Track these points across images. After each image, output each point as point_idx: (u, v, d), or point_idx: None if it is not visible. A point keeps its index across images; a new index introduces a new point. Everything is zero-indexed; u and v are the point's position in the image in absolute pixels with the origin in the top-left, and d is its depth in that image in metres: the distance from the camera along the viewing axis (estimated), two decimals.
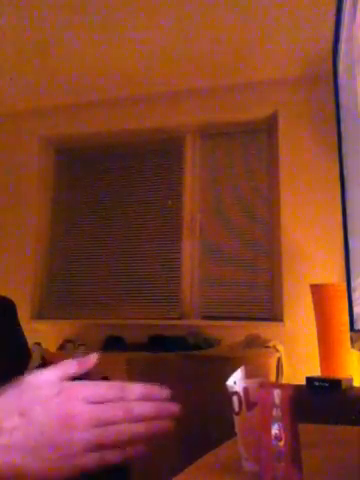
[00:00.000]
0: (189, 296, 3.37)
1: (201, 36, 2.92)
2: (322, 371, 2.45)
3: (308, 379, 2.24)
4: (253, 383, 0.69)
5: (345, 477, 0.71)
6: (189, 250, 3.42)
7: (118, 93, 3.59)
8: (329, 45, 1.71)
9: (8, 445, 0.51)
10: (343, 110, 1.35)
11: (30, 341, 1.99)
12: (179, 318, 3.33)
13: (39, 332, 3.20)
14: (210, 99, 3.47)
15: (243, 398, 0.69)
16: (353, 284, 1.19)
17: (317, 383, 2.24)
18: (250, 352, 2.61)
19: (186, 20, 2.78)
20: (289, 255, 3.10)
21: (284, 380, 2.61)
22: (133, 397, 0.58)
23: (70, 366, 0.60)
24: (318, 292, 2.50)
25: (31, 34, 2.92)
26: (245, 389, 0.69)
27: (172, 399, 0.61)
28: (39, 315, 3.62)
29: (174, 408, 0.63)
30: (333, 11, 1.36)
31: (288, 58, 3.13)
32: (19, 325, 2.04)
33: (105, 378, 1.85)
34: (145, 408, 0.58)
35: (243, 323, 3.14)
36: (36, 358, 1.63)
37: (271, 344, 2.66)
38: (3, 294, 2.11)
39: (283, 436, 0.64)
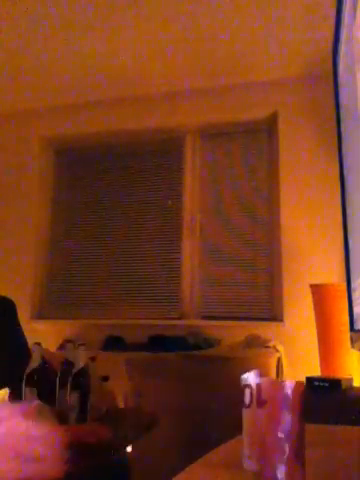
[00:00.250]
0: (189, 296, 3.37)
1: (201, 36, 2.92)
2: (322, 371, 2.45)
3: (308, 379, 2.24)
4: (267, 381, 0.70)
5: (345, 477, 0.71)
6: (189, 250, 3.42)
7: (118, 93, 3.59)
8: (329, 45, 1.71)
9: None
10: (343, 110, 1.35)
11: (30, 341, 1.99)
12: (179, 318, 3.33)
13: (39, 332, 3.20)
14: (210, 99, 3.48)
15: (255, 393, 0.69)
16: (353, 284, 1.19)
17: (317, 383, 2.24)
18: (250, 352, 2.61)
19: (186, 20, 2.78)
20: (289, 255, 3.10)
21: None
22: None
23: None
24: (318, 292, 2.50)
25: (31, 34, 2.92)
26: (258, 385, 0.70)
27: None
28: (39, 315, 3.62)
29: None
30: (333, 11, 1.36)
31: (288, 58, 3.13)
32: (19, 325, 2.05)
33: (105, 378, 1.85)
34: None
35: (243, 323, 3.14)
36: (36, 358, 1.63)
37: (271, 344, 2.66)
38: (3, 294, 2.11)
39: (291, 430, 0.64)
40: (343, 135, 1.34)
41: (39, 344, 1.67)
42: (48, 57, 3.15)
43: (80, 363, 1.59)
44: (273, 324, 3.09)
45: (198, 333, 3.15)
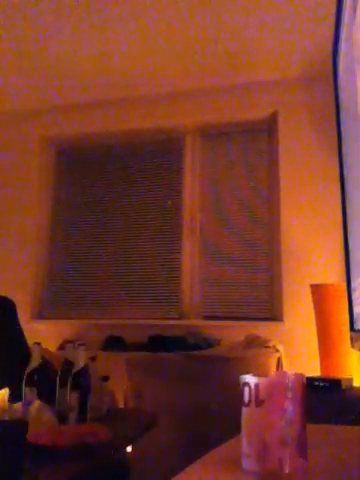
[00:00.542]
0: (189, 296, 3.37)
1: (201, 36, 2.92)
2: (322, 371, 2.45)
3: (308, 379, 2.24)
4: (265, 381, 0.70)
5: (345, 477, 0.71)
6: (189, 250, 3.42)
7: (118, 93, 3.59)
8: (329, 45, 1.71)
9: None
10: (343, 110, 1.35)
11: (30, 341, 1.99)
12: (179, 318, 3.33)
13: (39, 332, 3.20)
14: (210, 99, 3.47)
15: (253, 393, 0.70)
16: (353, 284, 1.19)
17: (317, 383, 2.24)
18: (250, 352, 2.61)
19: (186, 20, 2.78)
20: (289, 255, 3.10)
21: None
22: None
23: None
24: (318, 292, 2.50)
25: (31, 34, 2.92)
26: (256, 385, 0.70)
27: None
28: (39, 315, 3.62)
29: None
30: (333, 11, 1.36)
31: (288, 58, 3.13)
32: (19, 325, 2.05)
33: (105, 378, 1.85)
34: None
35: (243, 323, 3.13)
36: (36, 358, 1.63)
37: (271, 344, 2.66)
38: (3, 294, 2.12)
39: (293, 420, 0.65)
40: (343, 135, 1.34)
41: (39, 344, 1.67)
42: (48, 57, 3.15)
43: (80, 363, 1.60)
44: (273, 324, 3.09)
45: (198, 333, 3.15)
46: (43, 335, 3.11)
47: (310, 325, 2.61)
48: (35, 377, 1.60)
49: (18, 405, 1.51)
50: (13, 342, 1.93)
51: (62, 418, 1.55)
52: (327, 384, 2.22)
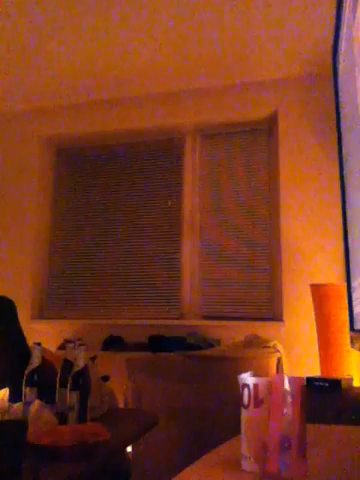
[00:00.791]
0: (189, 296, 3.37)
1: (201, 36, 2.92)
2: (322, 371, 2.45)
3: (308, 379, 2.24)
4: (263, 381, 0.70)
5: (345, 476, 0.71)
6: (189, 250, 3.42)
7: (118, 93, 3.59)
8: (329, 45, 1.71)
9: None
10: (343, 110, 1.35)
11: (30, 341, 1.99)
12: (179, 318, 3.33)
13: (39, 332, 3.20)
14: (210, 99, 3.48)
15: (252, 393, 0.70)
16: (353, 284, 1.19)
17: (317, 383, 2.24)
18: (250, 352, 2.61)
19: (186, 20, 2.78)
20: (289, 255, 3.10)
21: None
22: None
23: None
24: (318, 292, 2.50)
25: (31, 34, 2.92)
26: (255, 385, 0.70)
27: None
28: (39, 315, 3.62)
29: None
30: (333, 11, 1.36)
31: (288, 58, 3.13)
32: (19, 324, 2.05)
33: (105, 378, 1.85)
34: None
35: (243, 323, 3.13)
36: (36, 358, 1.63)
37: (271, 344, 2.66)
38: (3, 294, 2.11)
39: (293, 423, 0.65)
40: (343, 135, 1.34)
41: (39, 344, 1.67)
42: (48, 57, 3.15)
43: (80, 363, 1.59)
44: (273, 324, 3.09)
45: (198, 333, 3.15)
46: (43, 335, 3.11)
47: (310, 325, 2.61)
48: (35, 377, 1.60)
49: (18, 405, 1.51)
50: (13, 342, 1.93)
51: (62, 418, 1.55)
52: (327, 384, 2.22)
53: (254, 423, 0.70)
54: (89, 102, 3.68)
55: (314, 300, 2.52)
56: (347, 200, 1.27)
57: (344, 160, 1.31)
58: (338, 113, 1.42)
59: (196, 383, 2.40)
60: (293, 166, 3.21)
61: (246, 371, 0.75)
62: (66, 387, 1.57)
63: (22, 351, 1.84)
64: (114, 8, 2.68)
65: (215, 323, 3.22)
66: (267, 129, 3.44)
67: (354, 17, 1.03)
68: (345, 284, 1.26)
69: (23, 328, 2.08)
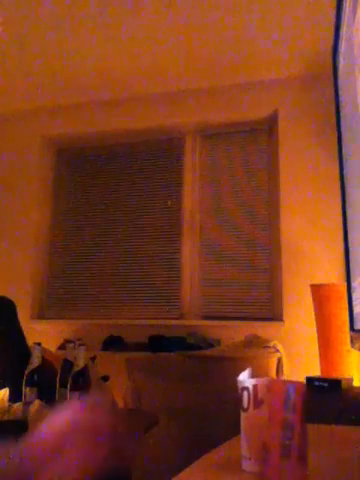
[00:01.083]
0: (189, 296, 3.37)
1: (201, 36, 2.92)
2: (322, 371, 2.45)
3: (308, 379, 2.24)
4: (263, 381, 0.70)
5: (345, 477, 0.71)
6: (189, 250, 3.42)
7: (118, 93, 3.59)
8: (329, 45, 1.71)
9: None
10: (343, 110, 1.35)
11: (30, 341, 1.99)
12: (179, 318, 3.33)
13: (39, 332, 3.20)
14: (210, 99, 3.47)
15: (252, 395, 0.70)
16: (353, 284, 1.19)
17: (317, 383, 2.24)
18: (250, 352, 2.61)
19: (186, 20, 2.78)
20: (289, 255, 3.10)
21: None
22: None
23: None
24: (318, 292, 2.50)
25: (31, 34, 2.92)
26: (254, 387, 0.70)
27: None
28: (39, 315, 3.62)
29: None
30: (333, 11, 1.36)
31: (288, 58, 3.13)
32: (19, 324, 2.05)
33: (105, 378, 1.85)
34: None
35: (243, 323, 3.13)
36: (36, 358, 1.63)
37: (271, 344, 2.66)
38: (3, 294, 2.11)
39: (293, 430, 0.64)
40: (343, 135, 1.34)
41: (39, 344, 1.67)
42: (48, 57, 3.15)
43: (80, 363, 1.59)
44: (273, 324, 3.09)
45: (198, 333, 3.15)
46: (43, 335, 3.11)
47: (310, 325, 2.60)
48: (35, 377, 1.60)
49: (18, 405, 1.51)
50: (13, 342, 1.93)
51: None
52: (327, 384, 2.22)
53: (254, 423, 0.69)
54: (89, 102, 3.68)
55: (314, 300, 2.51)
56: (347, 200, 1.27)
57: (344, 160, 1.31)
58: (338, 113, 1.42)
59: (196, 383, 2.39)
60: (293, 166, 3.21)
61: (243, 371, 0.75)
62: (66, 387, 1.57)
63: (22, 351, 1.84)
64: (114, 8, 2.68)
65: (215, 323, 3.22)
66: (267, 129, 3.44)
67: (354, 17, 1.03)
68: (345, 284, 1.26)
69: (23, 328, 2.08)
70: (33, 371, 1.61)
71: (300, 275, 3.00)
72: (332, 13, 1.38)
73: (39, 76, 3.38)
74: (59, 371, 1.65)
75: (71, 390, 1.56)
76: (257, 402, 0.69)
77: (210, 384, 2.39)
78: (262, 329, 2.95)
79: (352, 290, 1.21)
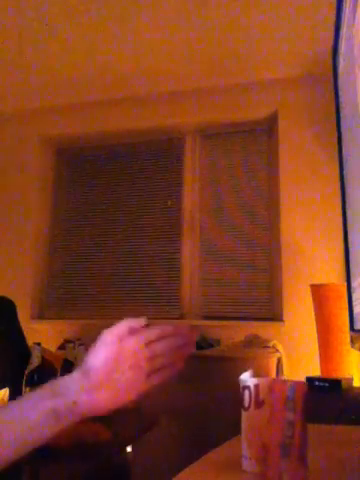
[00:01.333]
0: (189, 296, 3.37)
1: (201, 36, 2.92)
2: (322, 371, 2.45)
3: (308, 379, 2.24)
4: (264, 381, 0.70)
5: (345, 477, 0.71)
6: (189, 250, 3.42)
7: (118, 93, 3.59)
8: (329, 45, 1.71)
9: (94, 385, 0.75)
10: (343, 110, 1.35)
11: (30, 341, 1.99)
12: (179, 318, 3.33)
13: (39, 332, 3.20)
14: (210, 99, 3.47)
15: (253, 395, 0.70)
16: (353, 284, 1.19)
17: (317, 383, 2.24)
18: (250, 352, 2.61)
19: (186, 20, 2.78)
20: (289, 255, 3.10)
21: None
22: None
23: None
24: (318, 292, 2.50)
25: (31, 34, 2.92)
26: (256, 386, 0.70)
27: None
28: (39, 315, 3.62)
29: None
30: (333, 11, 1.36)
31: (288, 58, 3.13)
32: (19, 324, 2.05)
33: None
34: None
35: (243, 323, 3.13)
36: (36, 358, 1.63)
37: (271, 344, 2.66)
38: (3, 294, 2.12)
39: (294, 430, 0.64)
40: (343, 135, 1.34)
41: (39, 344, 1.67)
42: (48, 57, 3.15)
43: (80, 363, 1.59)
44: (273, 324, 3.09)
45: (198, 333, 3.15)
46: (43, 335, 3.11)
47: (310, 325, 2.60)
48: (35, 377, 1.60)
49: None
50: (13, 342, 1.93)
51: None
52: (327, 384, 2.22)
53: (255, 423, 0.70)
54: (89, 102, 3.68)
55: (314, 300, 2.51)
56: (347, 200, 1.27)
57: (344, 160, 1.31)
58: (338, 113, 1.42)
59: (196, 383, 2.39)
60: (293, 166, 3.21)
61: (245, 371, 0.75)
62: None
63: (22, 351, 1.84)
64: (114, 8, 2.68)
65: (215, 323, 3.22)
66: (267, 129, 3.44)
67: (354, 17, 1.03)
68: (345, 284, 1.26)
69: (23, 328, 2.08)
70: (33, 371, 1.61)
71: (300, 275, 3.00)
72: (332, 13, 1.38)
73: (39, 76, 3.38)
74: (59, 371, 1.65)
75: None
76: (258, 402, 0.69)
77: (210, 384, 2.38)
78: (262, 329, 2.95)
79: (352, 290, 1.21)
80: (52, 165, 3.89)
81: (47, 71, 3.32)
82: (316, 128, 3.18)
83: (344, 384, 2.23)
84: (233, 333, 3.00)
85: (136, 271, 3.49)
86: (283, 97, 3.32)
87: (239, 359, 2.48)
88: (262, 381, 0.70)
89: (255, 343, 2.69)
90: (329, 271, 2.94)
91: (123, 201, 3.63)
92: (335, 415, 1.73)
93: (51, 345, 3.00)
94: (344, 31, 1.24)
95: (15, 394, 1.57)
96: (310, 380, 2.24)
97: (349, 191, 1.24)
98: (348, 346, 2.36)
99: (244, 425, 0.72)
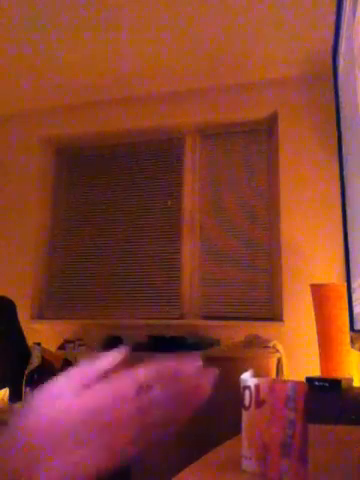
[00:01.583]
0: (189, 296, 3.37)
1: (201, 36, 2.92)
2: (322, 371, 2.45)
3: (308, 379, 2.24)
4: (265, 381, 0.70)
5: (345, 477, 0.71)
6: (189, 250, 3.42)
7: (118, 93, 3.59)
8: (329, 45, 1.71)
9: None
10: (343, 110, 1.35)
11: (30, 341, 1.99)
12: (179, 318, 3.33)
13: (39, 332, 3.20)
14: (210, 99, 3.47)
15: (253, 394, 0.70)
16: (353, 284, 1.19)
17: (317, 383, 2.24)
18: (250, 352, 2.61)
19: (186, 20, 2.78)
20: (289, 255, 3.10)
21: None
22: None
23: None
24: (318, 292, 2.50)
25: (31, 34, 2.92)
26: (256, 386, 0.70)
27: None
28: (39, 315, 3.62)
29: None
30: (333, 11, 1.36)
31: (288, 58, 3.13)
32: (19, 324, 2.05)
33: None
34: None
35: (243, 323, 3.13)
36: (36, 358, 1.63)
37: (271, 344, 2.66)
38: (3, 294, 2.12)
39: (295, 430, 0.64)
40: (343, 135, 1.34)
41: (39, 344, 1.67)
42: (48, 57, 3.15)
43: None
44: (273, 324, 3.09)
45: (198, 333, 3.15)
46: (43, 335, 3.11)
47: (310, 325, 2.60)
48: (35, 377, 1.60)
49: (18, 405, 1.51)
50: (13, 342, 1.93)
51: None
52: (327, 384, 2.22)
53: (255, 423, 0.70)
54: (89, 102, 3.68)
55: (314, 300, 2.51)
56: (347, 200, 1.27)
57: (344, 160, 1.31)
58: (338, 113, 1.42)
59: None
60: (293, 166, 3.21)
61: (246, 371, 0.75)
62: None
63: (22, 351, 1.84)
64: (114, 8, 2.68)
65: (215, 323, 3.22)
66: (267, 129, 3.44)
67: (354, 17, 1.02)
68: (345, 284, 1.26)
69: (23, 328, 2.08)
70: (33, 371, 1.61)
71: (300, 275, 3.00)
72: (332, 13, 1.38)
73: (39, 76, 3.38)
74: (59, 371, 1.65)
75: None
76: (259, 402, 0.69)
77: None
78: (262, 329, 2.95)
79: (352, 290, 1.20)
80: (52, 165, 3.89)
81: (47, 71, 3.32)
82: (316, 128, 3.18)
83: (344, 384, 2.23)
84: (233, 333, 3.00)
85: (136, 271, 3.49)
86: (283, 97, 3.32)
87: (239, 359, 2.48)
88: (263, 381, 0.70)
89: (255, 343, 2.69)
90: (329, 271, 2.94)
91: (123, 201, 3.63)
92: (335, 415, 1.73)
93: (51, 345, 3.00)
94: (344, 31, 1.24)
95: (15, 394, 1.58)
96: (310, 380, 2.24)
97: (349, 191, 1.24)
98: (348, 346, 2.36)
99: (244, 425, 0.72)
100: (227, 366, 2.45)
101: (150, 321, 3.32)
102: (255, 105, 3.39)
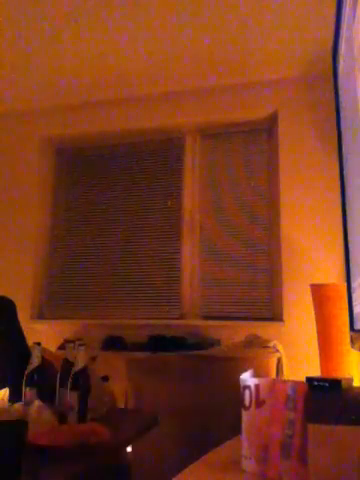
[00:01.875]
0: (189, 296, 3.37)
1: (201, 36, 2.92)
2: (322, 371, 2.45)
3: (308, 379, 2.24)
4: (265, 381, 0.70)
5: (345, 477, 0.71)
6: (189, 250, 3.42)
7: (118, 93, 3.59)
8: (329, 45, 1.71)
9: None
10: (343, 110, 1.35)
11: (30, 341, 1.99)
12: (179, 318, 3.33)
13: (39, 332, 3.20)
14: (210, 99, 3.47)
15: (254, 394, 0.70)
16: (353, 284, 1.19)
17: (317, 383, 2.24)
18: (250, 352, 2.61)
19: (186, 20, 2.78)
20: (289, 255, 3.10)
21: None
22: None
23: None
24: (318, 292, 2.50)
25: (31, 34, 2.92)
26: (256, 386, 0.70)
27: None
28: (39, 315, 3.62)
29: None
30: (333, 11, 1.36)
31: (288, 58, 3.13)
32: (19, 324, 2.05)
33: (105, 378, 1.85)
34: None
35: (243, 323, 3.13)
36: (36, 358, 1.63)
37: (271, 344, 2.66)
38: (3, 294, 2.12)
39: (294, 430, 0.65)
40: (343, 135, 1.34)
41: (39, 344, 1.67)
42: (48, 57, 3.15)
43: (80, 363, 1.60)
44: (273, 324, 3.09)
45: (198, 333, 3.15)
46: (43, 335, 3.11)
47: (310, 325, 2.60)
48: (35, 377, 1.60)
49: (18, 405, 1.51)
50: (13, 342, 1.93)
51: (62, 418, 1.55)
52: (327, 384, 2.22)
53: (255, 424, 0.70)
54: (89, 102, 3.68)
55: (314, 300, 2.51)
56: (347, 200, 1.27)
57: (344, 160, 1.31)
58: (338, 113, 1.42)
59: (196, 383, 2.40)
60: (293, 166, 3.21)
61: (246, 371, 0.75)
62: (66, 387, 1.57)
63: (22, 351, 1.84)
64: (114, 8, 2.68)
65: (215, 323, 3.22)
66: (267, 129, 3.44)
67: (354, 17, 1.03)
68: (345, 284, 1.26)
69: (23, 328, 2.08)
70: (33, 371, 1.61)
71: (300, 275, 3.00)
72: (332, 13, 1.38)
73: (39, 76, 3.38)
74: (59, 371, 1.65)
75: (71, 390, 1.56)
76: (259, 402, 0.69)
77: (210, 384, 2.39)
78: (262, 329, 2.95)
79: (352, 290, 1.21)
80: (52, 165, 3.89)
81: (47, 71, 3.32)
82: (316, 128, 3.18)
83: (344, 384, 2.23)
84: (233, 333, 3.00)
85: (136, 271, 3.49)
86: (283, 97, 3.32)
87: (239, 359, 2.48)
88: (263, 381, 0.70)
89: (255, 343, 2.69)
90: (329, 271, 2.94)
91: (123, 201, 3.63)
92: (335, 415, 1.73)
93: (51, 345, 3.00)
94: (344, 31, 1.25)
95: (15, 394, 1.57)
96: (310, 380, 2.24)
97: (349, 191, 1.24)
98: (348, 346, 2.35)
99: (245, 425, 0.72)
100: (227, 366, 2.46)
101: (150, 321, 3.32)
102: (255, 105, 3.39)
